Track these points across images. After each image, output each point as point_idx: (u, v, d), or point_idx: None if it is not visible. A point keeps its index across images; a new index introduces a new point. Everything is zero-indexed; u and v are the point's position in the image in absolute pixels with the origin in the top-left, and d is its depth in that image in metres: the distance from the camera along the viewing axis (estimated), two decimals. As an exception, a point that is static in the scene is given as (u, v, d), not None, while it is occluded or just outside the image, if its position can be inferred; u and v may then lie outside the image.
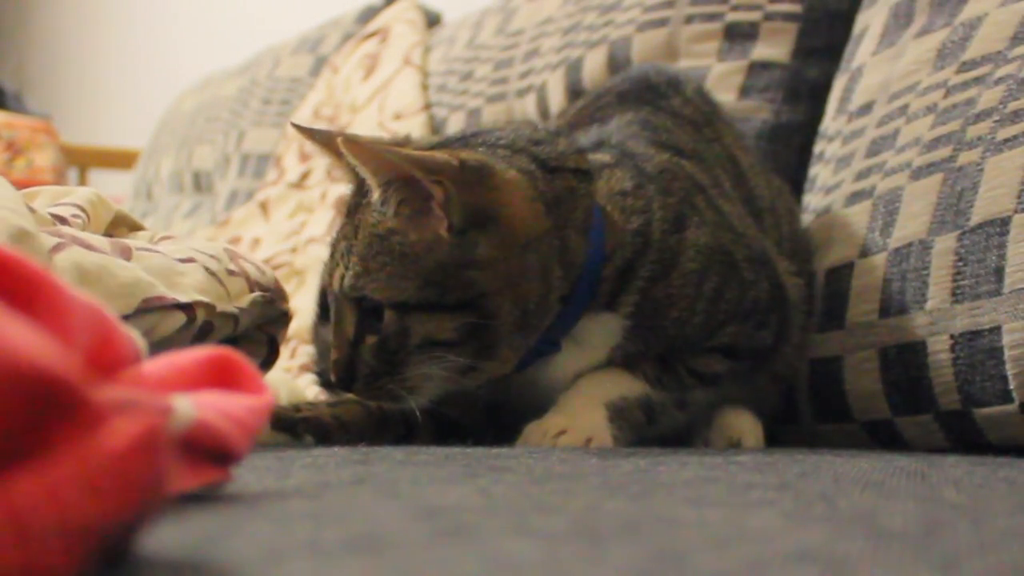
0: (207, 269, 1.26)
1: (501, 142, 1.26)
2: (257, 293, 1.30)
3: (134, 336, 0.63)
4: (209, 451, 0.65)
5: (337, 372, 1.21)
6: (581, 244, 1.22)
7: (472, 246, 1.15)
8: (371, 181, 1.17)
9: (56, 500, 0.41)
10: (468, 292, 1.16)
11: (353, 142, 1.15)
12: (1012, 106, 1.23)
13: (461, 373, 1.19)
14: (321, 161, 2.58)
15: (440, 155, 1.16)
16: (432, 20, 2.84)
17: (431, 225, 1.15)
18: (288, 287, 2.20)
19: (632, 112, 1.44)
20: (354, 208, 1.22)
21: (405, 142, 1.28)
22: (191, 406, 0.64)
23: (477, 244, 1.15)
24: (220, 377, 0.74)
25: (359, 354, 1.19)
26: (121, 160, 4.11)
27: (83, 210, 1.32)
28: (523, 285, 1.17)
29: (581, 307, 1.24)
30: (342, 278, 1.19)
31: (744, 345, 1.33)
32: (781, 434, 1.44)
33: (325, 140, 1.26)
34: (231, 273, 1.30)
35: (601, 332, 1.27)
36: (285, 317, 1.41)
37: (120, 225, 1.42)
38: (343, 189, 2.43)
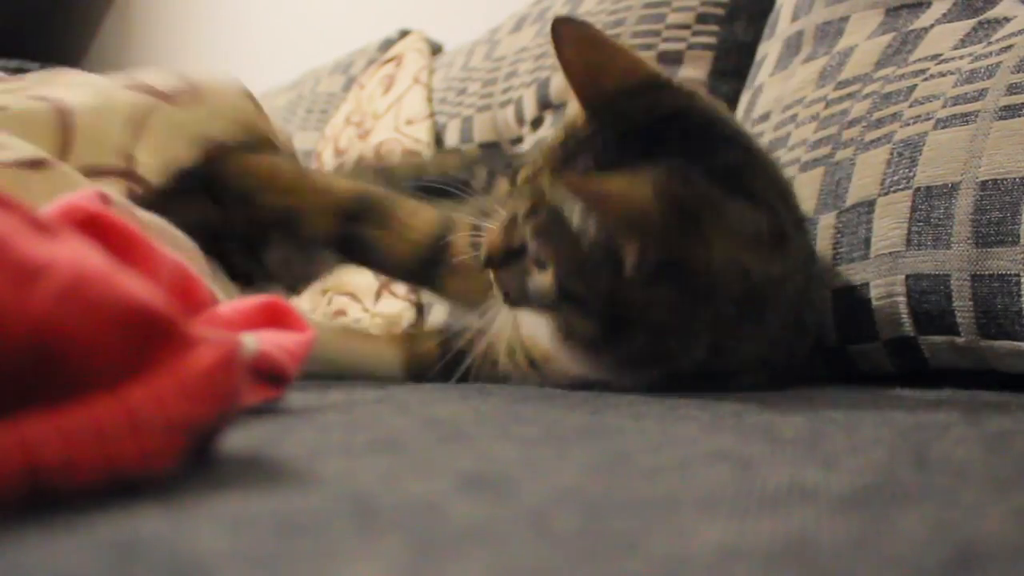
0: None
1: (759, 177, 0.95)
2: None
3: (210, 285, 0.63)
4: (267, 375, 0.66)
5: (484, 258, 0.97)
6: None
7: (651, 288, 0.86)
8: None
9: (160, 404, 0.42)
10: (619, 315, 0.88)
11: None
12: (876, 115, 1.23)
13: (572, 358, 0.95)
14: (350, 156, 2.58)
15: (644, 198, 0.83)
16: (436, 49, 2.83)
17: (616, 255, 0.85)
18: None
19: None
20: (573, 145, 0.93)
21: (657, 88, 0.95)
22: (255, 340, 0.64)
23: (657, 288, 0.86)
24: (273, 318, 0.74)
25: (505, 274, 0.95)
26: (198, 155, 4.10)
27: None
28: (668, 336, 0.90)
29: None
30: (526, 200, 0.92)
31: None
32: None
33: (578, 52, 0.93)
34: None
35: None
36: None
37: None
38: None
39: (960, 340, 1.07)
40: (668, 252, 0.85)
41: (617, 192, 0.84)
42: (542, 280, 0.92)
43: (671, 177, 0.85)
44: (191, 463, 0.44)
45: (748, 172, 0.93)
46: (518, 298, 0.96)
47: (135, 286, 0.44)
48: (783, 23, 1.57)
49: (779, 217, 0.93)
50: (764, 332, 0.94)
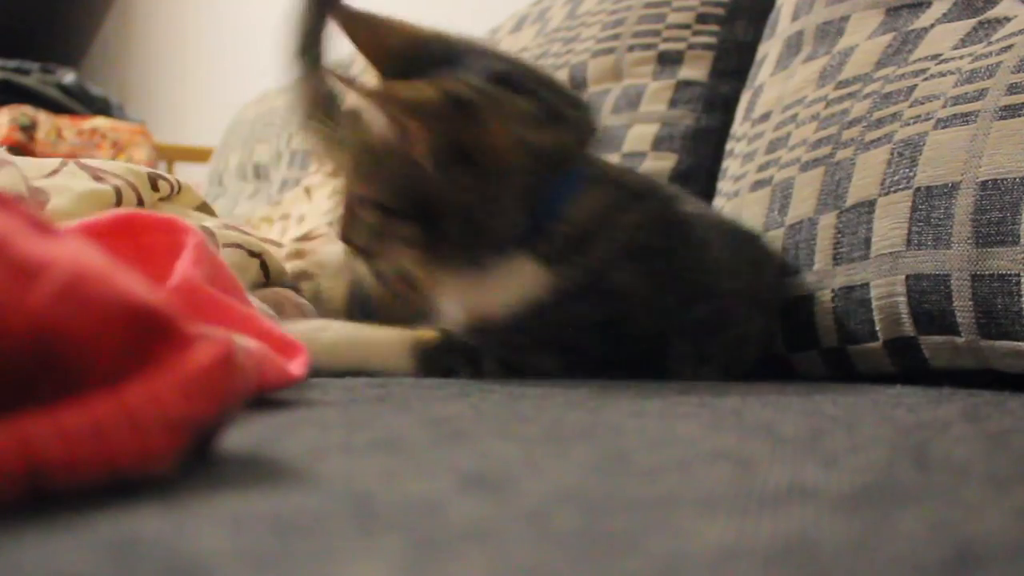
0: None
1: (525, 78, 1.06)
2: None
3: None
4: None
5: (339, 235, 1.09)
6: (544, 195, 1.04)
7: (447, 174, 0.99)
8: (373, 111, 1.00)
9: (159, 400, 0.42)
10: (436, 212, 1.00)
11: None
12: (876, 115, 1.23)
13: (420, 269, 1.06)
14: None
15: (428, 93, 0.98)
16: (436, 49, 2.83)
17: (411, 153, 0.99)
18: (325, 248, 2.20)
19: None
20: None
21: (435, 40, 1.09)
22: (244, 348, 0.64)
23: (451, 175, 0.99)
24: (280, 347, 0.76)
25: (355, 226, 1.06)
26: (199, 155, 4.10)
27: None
28: (480, 214, 1.01)
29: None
30: (345, 167, 1.06)
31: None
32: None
33: (358, 33, 1.08)
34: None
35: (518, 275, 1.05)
36: None
37: (202, 211, 1.42)
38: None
39: (960, 340, 1.07)
40: (455, 136, 0.99)
41: (403, 90, 0.99)
42: (371, 214, 1.04)
43: (449, 79, 1.01)
44: (191, 462, 0.44)
45: (516, 75, 1.06)
46: (369, 247, 1.07)
47: (134, 285, 0.44)
48: (783, 23, 1.57)
49: (550, 102, 1.06)
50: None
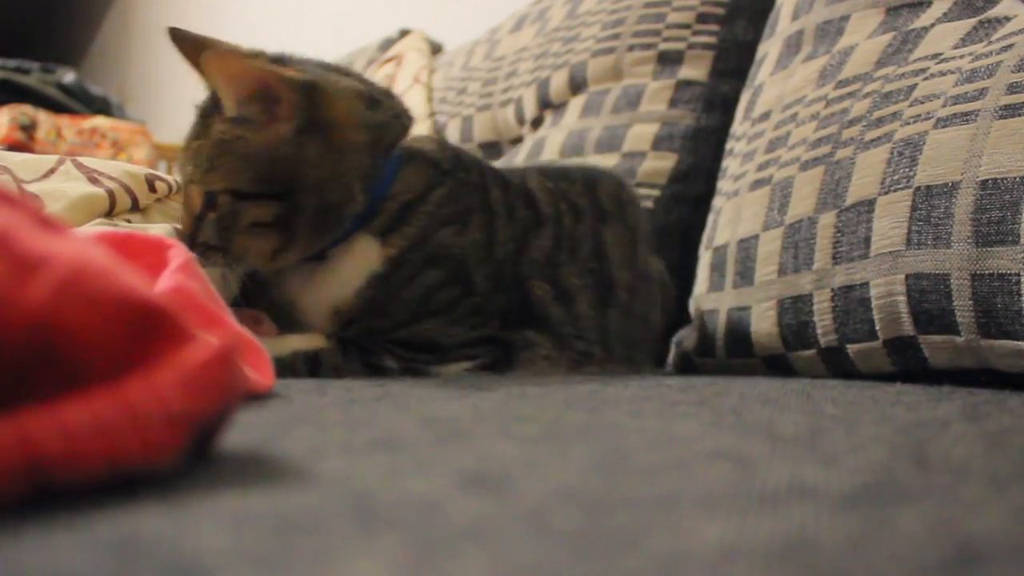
0: None
1: (339, 68, 1.22)
2: None
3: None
4: None
5: (185, 239, 1.12)
6: (376, 176, 1.16)
7: (303, 147, 1.09)
8: (227, 96, 1.11)
9: (160, 396, 0.42)
10: (290, 185, 1.10)
11: (219, 57, 1.09)
12: (876, 114, 1.23)
13: (272, 253, 1.13)
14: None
15: (285, 73, 1.10)
16: (435, 49, 2.83)
17: (273, 129, 1.09)
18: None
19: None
20: (208, 112, 1.15)
21: (255, 53, 1.18)
22: None
23: (307, 146, 1.10)
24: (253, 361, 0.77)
25: (201, 227, 1.13)
26: (198, 155, 4.10)
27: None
28: (329, 187, 1.11)
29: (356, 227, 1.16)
30: (193, 171, 1.13)
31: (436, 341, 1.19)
32: (701, 366, 1.44)
33: (192, 51, 1.18)
34: None
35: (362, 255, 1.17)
36: None
37: None
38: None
39: (960, 340, 1.06)
40: (309, 113, 1.10)
41: (266, 67, 1.10)
42: (223, 206, 1.11)
43: (288, 69, 1.13)
44: (191, 461, 0.44)
45: (337, 70, 1.21)
46: (220, 242, 1.13)
47: (137, 284, 0.44)
48: (783, 22, 1.57)
49: (369, 87, 1.21)
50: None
